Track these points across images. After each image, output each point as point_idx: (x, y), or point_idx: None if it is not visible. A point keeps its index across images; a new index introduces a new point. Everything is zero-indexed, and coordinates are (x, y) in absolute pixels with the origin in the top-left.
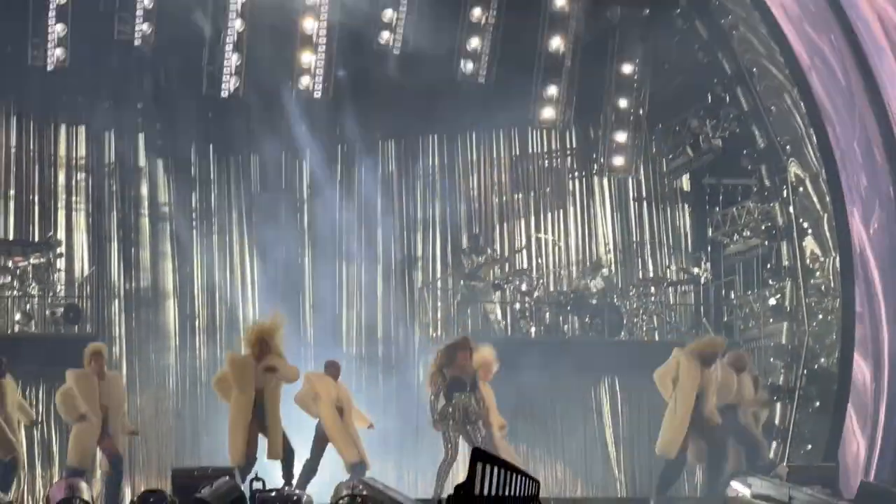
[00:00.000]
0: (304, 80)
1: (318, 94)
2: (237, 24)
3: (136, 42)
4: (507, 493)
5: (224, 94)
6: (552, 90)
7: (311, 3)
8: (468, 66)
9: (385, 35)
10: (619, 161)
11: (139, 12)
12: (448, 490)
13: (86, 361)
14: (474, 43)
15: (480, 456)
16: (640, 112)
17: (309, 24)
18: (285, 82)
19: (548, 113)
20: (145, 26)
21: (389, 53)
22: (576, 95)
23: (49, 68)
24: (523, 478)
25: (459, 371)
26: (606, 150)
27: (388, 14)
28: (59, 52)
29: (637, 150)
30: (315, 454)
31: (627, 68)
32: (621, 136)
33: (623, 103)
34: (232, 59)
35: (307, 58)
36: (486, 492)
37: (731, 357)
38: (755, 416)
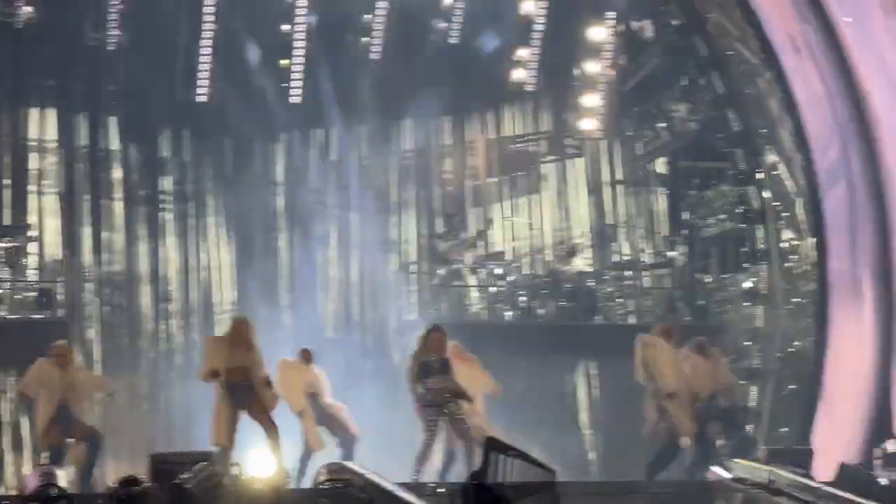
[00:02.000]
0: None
1: (296, 100)
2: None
3: (110, 48)
4: (521, 481)
5: (203, 98)
6: (523, 52)
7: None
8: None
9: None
10: (588, 125)
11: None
12: (427, 473)
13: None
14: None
15: (494, 445)
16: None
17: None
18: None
19: (518, 74)
20: (117, 32)
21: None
22: (546, 59)
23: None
24: (538, 466)
25: (427, 355)
26: (576, 114)
27: None
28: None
29: (609, 117)
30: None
31: (598, 34)
32: (591, 101)
33: (592, 68)
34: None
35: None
36: (500, 479)
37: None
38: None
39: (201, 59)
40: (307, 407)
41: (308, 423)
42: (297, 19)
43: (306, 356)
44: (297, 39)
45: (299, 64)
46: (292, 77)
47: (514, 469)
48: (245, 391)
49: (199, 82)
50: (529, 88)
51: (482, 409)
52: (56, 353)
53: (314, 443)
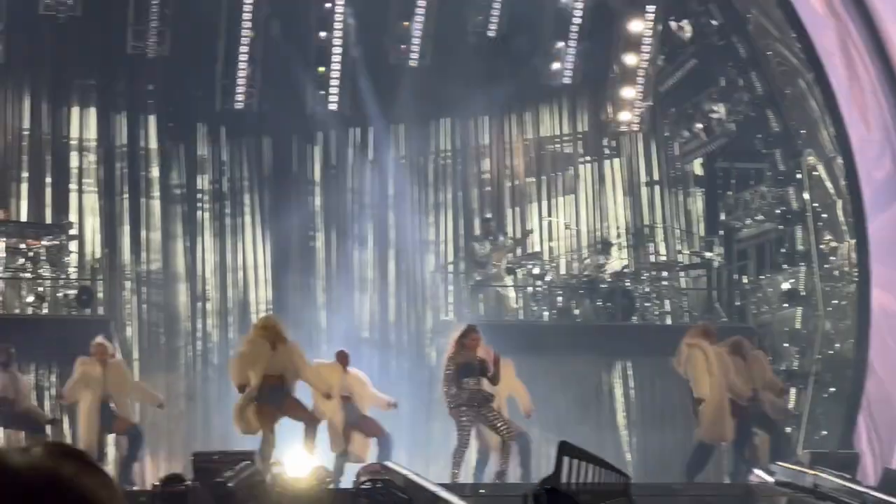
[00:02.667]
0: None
1: (333, 107)
2: (250, 34)
3: (150, 55)
4: (595, 486)
5: (239, 105)
6: (560, 45)
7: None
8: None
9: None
10: (625, 117)
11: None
12: (463, 475)
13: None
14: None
15: (567, 450)
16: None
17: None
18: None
19: (556, 66)
20: (157, 40)
21: (407, 39)
22: (584, 53)
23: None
24: (612, 472)
25: (466, 357)
26: (613, 107)
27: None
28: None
29: (646, 111)
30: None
31: (637, 26)
32: (628, 93)
33: (631, 60)
34: (246, 72)
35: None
36: (572, 484)
37: (730, 343)
38: (773, 403)
39: (239, 66)
40: (337, 410)
41: (329, 423)
42: (336, 25)
43: (342, 358)
44: (335, 46)
45: (336, 71)
46: (330, 84)
47: (588, 474)
48: (280, 394)
49: (237, 90)
50: (567, 81)
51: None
52: (96, 350)
53: (334, 444)
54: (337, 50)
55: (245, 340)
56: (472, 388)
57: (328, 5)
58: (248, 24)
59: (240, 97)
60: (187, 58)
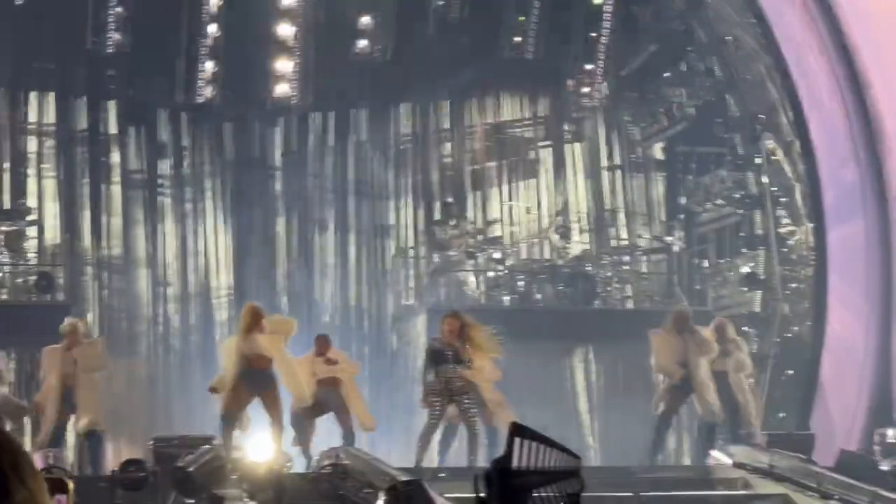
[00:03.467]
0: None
1: (295, 101)
2: (212, 30)
3: (110, 50)
4: (547, 468)
5: (200, 100)
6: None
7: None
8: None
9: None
10: (586, 90)
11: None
12: (429, 457)
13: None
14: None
15: (519, 431)
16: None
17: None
18: (262, 90)
19: (518, 40)
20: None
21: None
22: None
23: None
24: (563, 453)
25: (441, 342)
26: (574, 80)
27: None
28: None
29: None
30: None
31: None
32: (589, 66)
33: (591, 33)
34: (207, 67)
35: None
36: (524, 465)
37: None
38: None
39: (200, 62)
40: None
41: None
42: (296, 19)
43: (320, 344)
44: (295, 38)
45: (298, 64)
46: (292, 80)
47: (539, 455)
48: (262, 379)
49: (199, 85)
50: (529, 56)
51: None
52: (67, 330)
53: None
54: (297, 42)
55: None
56: (446, 378)
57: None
58: (209, 18)
59: (201, 92)
60: (148, 53)
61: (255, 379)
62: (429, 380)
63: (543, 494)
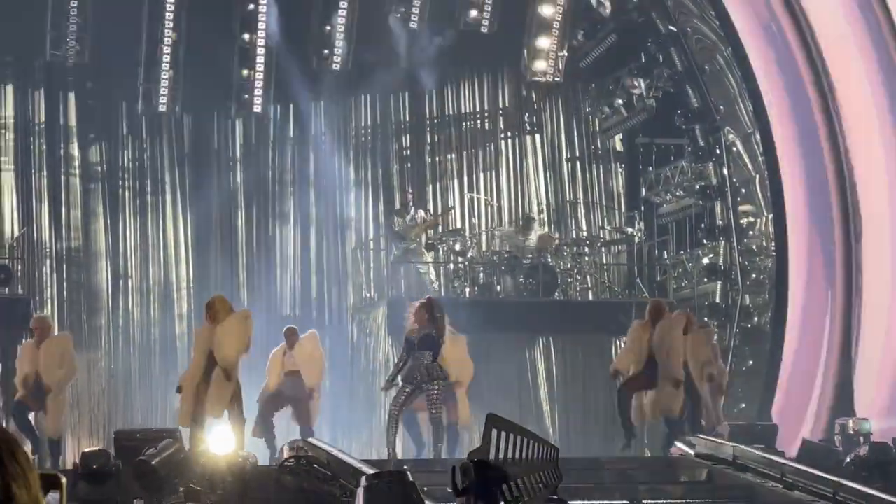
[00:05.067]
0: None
1: (257, 108)
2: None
3: (69, 63)
4: (524, 459)
5: (162, 108)
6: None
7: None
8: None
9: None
10: (540, 66)
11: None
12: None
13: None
14: None
15: (495, 422)
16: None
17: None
18: (224, 98)
19: (474, 14)
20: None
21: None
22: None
23: None
24: (540, 445)
25: (410, 330)
26: (529, 55)
27: None
28: None
29: (560, 57)
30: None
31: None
32: (543, 42)
33: (547, 11)
34: (168, 75)
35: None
36: (501, 457)
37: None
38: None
39: (162, 72)
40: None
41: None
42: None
43: (288, 336)
44: (259, 47)
45: (259, 73)
46: (255, 87)
47: (516, 446)
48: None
49: (160, 94)
50: (484, 30)
51: (465, 394)
52: (36, 324)
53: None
54: (260, 52)
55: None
56: (411, 364)
57: (251, 7)
58: (170, 27)
59: (163, 101)
60: (108, 64)
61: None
62: (403, 368)
63: (521, 485)
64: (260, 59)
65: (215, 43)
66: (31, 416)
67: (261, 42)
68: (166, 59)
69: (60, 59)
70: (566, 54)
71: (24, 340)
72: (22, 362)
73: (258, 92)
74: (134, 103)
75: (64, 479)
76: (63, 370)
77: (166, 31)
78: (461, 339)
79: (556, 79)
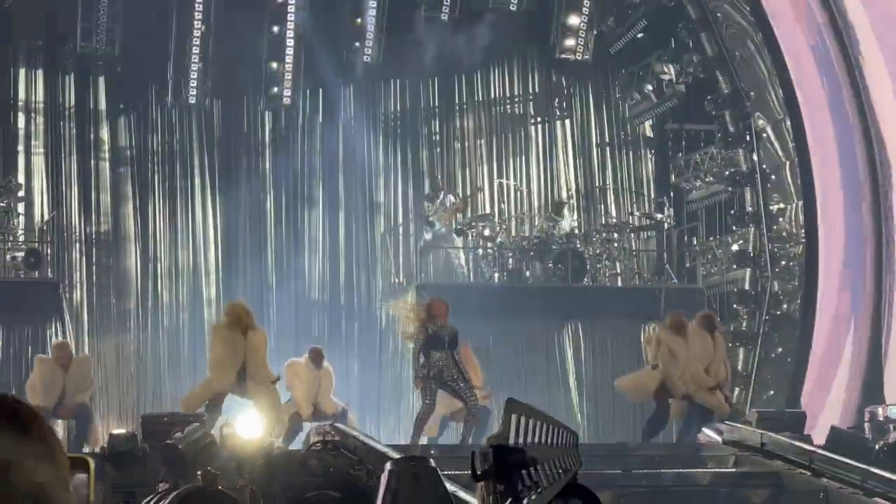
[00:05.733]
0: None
1: (287, 101)
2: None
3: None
4: (544, 444)
5: (192, 100)
6: None
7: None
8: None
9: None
10: (569, 43)
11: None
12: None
13: (52, 354)
14: None
15: (515, 407)
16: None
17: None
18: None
19: None
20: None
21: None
22: None
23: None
24: (560, 429)
25: (435, 325)
26: (558, 33)
27: None
28: None
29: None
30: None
31: None
32: (573, 20)
33: None
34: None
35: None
36: (520, 442)
37: (701, 318)
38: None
39: (192, 64)
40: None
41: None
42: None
43: (315, 357)
44: (289, 38)
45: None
46: (284, 78)
47: (536, 431)
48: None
49: (191, 85)
50: (513, 8)
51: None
52: (58, 353)
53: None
54: (290, 44)
55: (218, 337)
56: (441, 365)
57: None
58: (199, 18)
59: (192, 93)
60: (138, 55)
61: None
62: (420, 363)
63: (541, 470)
64: (289, 52)
65: (245, 35)
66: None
67: (290, 34)
68: (196, 51)
69: (90, 50)
70: (595, 32)
71: (38, 355)
72: (46, 385)
73: (287, 84)
74: (164, 87)
75: (92, 462)
76: (89, 390)
77: (196, 23)
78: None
79: (585, 56)
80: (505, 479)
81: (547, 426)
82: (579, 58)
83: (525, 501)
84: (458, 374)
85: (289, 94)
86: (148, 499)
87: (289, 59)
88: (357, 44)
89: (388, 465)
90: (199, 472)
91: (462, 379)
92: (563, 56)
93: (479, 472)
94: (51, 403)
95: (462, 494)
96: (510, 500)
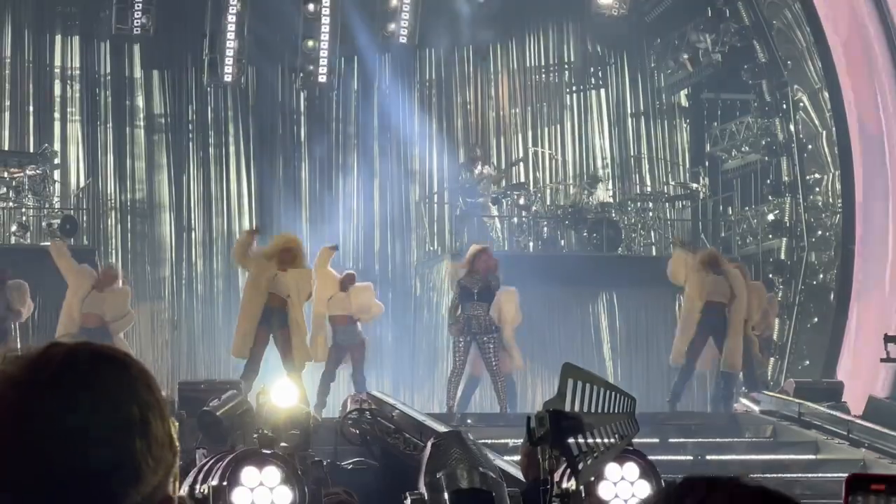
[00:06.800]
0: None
1: (322, 79)
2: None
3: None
4: (600, 409)
5: (227, 78)
6: None
7: None
8: None
9: None
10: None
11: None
12: (459, 401)
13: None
14: None
15: (571, 371)
16: None
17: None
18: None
19: None
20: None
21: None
22: None
23: None
24: (618, 394)
25: (469, 279)
26: None
27: None
28: None
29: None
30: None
31: None
32: None
33: None
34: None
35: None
36: (576, 408)
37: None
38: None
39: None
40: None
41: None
42: None
43: (346, 280)
44: (324, 16)
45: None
46: (320, 57)
47: (592, 395)
48: (281, 318)
49: (226, 65)
50: None
51: (514, 342)
52: (103, 273)
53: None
54: (325, 22)
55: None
56: (470, 314)
57: None
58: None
59: (228, 71)
60: (173, 37)
61: (277, 318)
62: (456, 315)
63: (597, 435)
64: (325, 30)
65: (280, 13)
66: None
67: (326, 12)
68: (231, 28)
69: (126, 31)
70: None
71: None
72: (81, 303)
73: (323, 63)
74: (199, 64)
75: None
76: (127, 318)
77: (231, 1)
78: (512, 290)
79: (622, 11)
80: (561, 444)
81: (604, 391)
82: (615, 14)
83: (581, 466)
84: (483, 331)
85: (324, 72)
86: (207, 460)
87: (324, 38)
88: (392, 25)
89: (431, 440)
90: (255, 435)
91: (490, 335)
92: (600, 13)
93: (535, 437)
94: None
95: (500, 463)
96: (565, 465)
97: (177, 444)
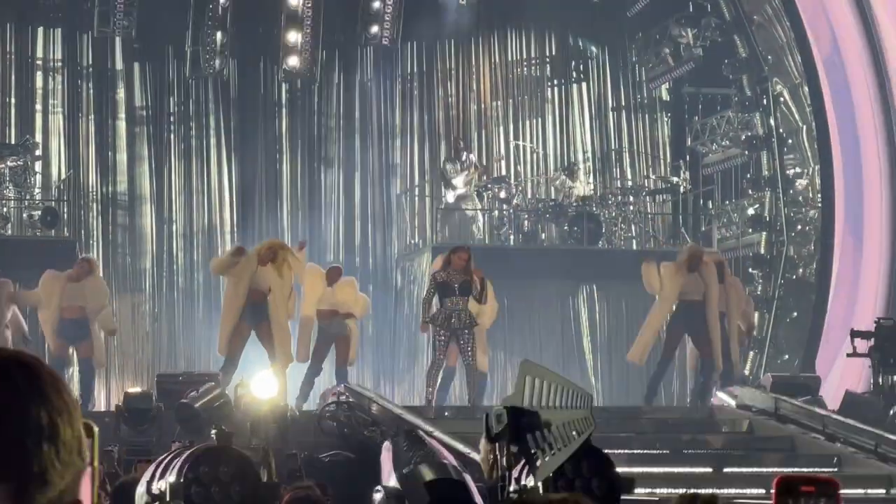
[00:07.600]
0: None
1: (304, 72)
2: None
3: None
4: (558, 406)
5: (210, 72)
6: None
7: None
8: None
9: None
10: None
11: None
12: (437, 393)
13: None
14: None
15: (529, 369)
16: None
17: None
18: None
19: None
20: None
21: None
22: None
23: None
24: (574, 391)
25: (447, 276)
26: None
27: None
28: None
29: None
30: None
31: None
32: None
33: None
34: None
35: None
36: (535, 403)
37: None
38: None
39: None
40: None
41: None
42: None
43: (331, 273)
44: (307, 8)
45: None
46: (303, 50)
47: (550, 392)
48: (262, 315)
49: (208, 58)
50: None
51: (484, 341)
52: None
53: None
54: (308, 16)
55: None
56: (451, 310)
57: None
58: None
59: (210, 63)
60: (155, 30)
61: (256, 313)
62: (433, 311)
63: (554, 432)
64: (308, 24)
65: (263, 5)
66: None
67: (308, 5)
68: (213, 21)
69: (108, 33)
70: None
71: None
72: (57, 295)
73: (306, 56)
74: (181, 56)
75: (96, 428)
76: (108, 309)
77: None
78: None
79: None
80: (519, 440)
81: (561, 388)
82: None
83: (538, 462)
84: (462, 325)
85: (307, 65)
86: (162, 456)
87: (307, 31)
88: (375, 28)
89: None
90: (213, 431)
91: (468, 332)
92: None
93: (493, 434)
94: (51, 307)
95: (474, 456)
96: (523, 461)
97: (86, 450)
